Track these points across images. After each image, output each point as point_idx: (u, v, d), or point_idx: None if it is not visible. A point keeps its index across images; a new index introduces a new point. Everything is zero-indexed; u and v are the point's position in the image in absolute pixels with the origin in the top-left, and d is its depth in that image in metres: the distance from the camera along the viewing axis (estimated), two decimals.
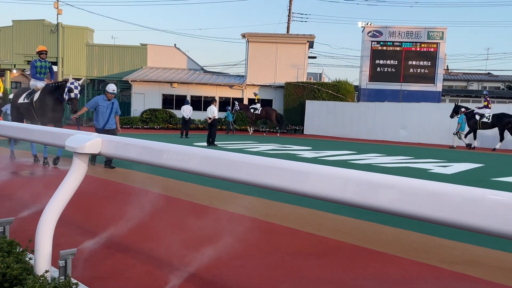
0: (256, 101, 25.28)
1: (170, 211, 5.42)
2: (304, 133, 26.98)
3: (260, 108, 24.61)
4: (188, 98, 28.17)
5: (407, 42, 27.22)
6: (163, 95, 29.87)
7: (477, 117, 19.12)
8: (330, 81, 29.73)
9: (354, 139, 24.09)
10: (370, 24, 27.99)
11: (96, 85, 34.46)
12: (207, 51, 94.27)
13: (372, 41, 27.53)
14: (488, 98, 19.56)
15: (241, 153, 2.14)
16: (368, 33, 27.57)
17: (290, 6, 36.65)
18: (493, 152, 18.20)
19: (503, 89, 44.18)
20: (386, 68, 27.58)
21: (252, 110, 24.65)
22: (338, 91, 27.48)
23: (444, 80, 34.57)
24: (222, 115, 26.09)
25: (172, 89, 29.70)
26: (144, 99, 29.59)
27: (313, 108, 26.77)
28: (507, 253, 4.10)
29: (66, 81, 8.69)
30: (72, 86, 8.59)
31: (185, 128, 20.00)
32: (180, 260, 3.49)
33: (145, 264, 3.40)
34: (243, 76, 31.03)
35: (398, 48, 27.35)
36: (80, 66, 32.17)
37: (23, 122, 9.25)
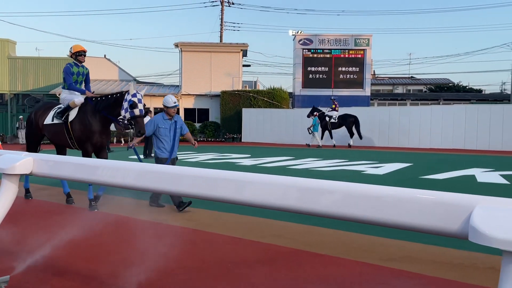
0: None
1: (108, 228, 5.21)
2: (242, 140, 27.12)
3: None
4: None
5: (336, 49, 28.26)
6: None
7: (327, 118, 21.67)
8: (265, 89, 30.16)
9: (290, 144, 24.55)
10: (301, 32, 28.79)
11: (20, 100, 32.55)
12: (139, 61, 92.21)
13: (303, 48, 28.31)
14: (335, 102, 22.28)
15: (181, 164, 2.10)
16: (299, 41, 28.33)
17: (222, 15, 36.83)
18: (349, 148, 20.46)
19: (425, 91, 47.01)
20: (318, 75, 28.45)
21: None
22: (273, 98, 27.93)
23: (372, 84, 36.22)
24: None
25: None
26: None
27: (249, 116, 26.99)
28: (439, 247, 4.34)
29: (121, 93, 6.25)
30: (136, 100, 6.07)
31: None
32: (122, 279, 3.36)
33: (85, 286, 3.23)
34: (178, 86, 30.68)
35: (328, 55, 28.32)
36: (2, 80, 30.26)
37: (37, 148, 7.24)
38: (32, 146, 7.20)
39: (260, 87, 34.02)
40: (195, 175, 1.91)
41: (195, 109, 29.48)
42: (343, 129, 22.20)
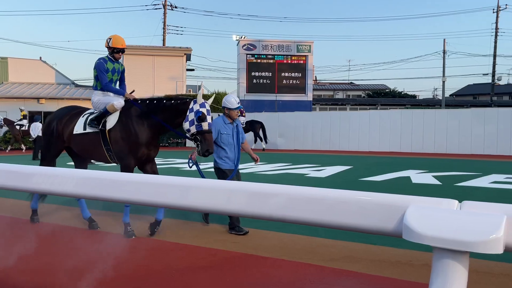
0: (22, 117, 23.43)
1: (47, 238, 4.97)
2: (186, 145, 26.83)
3: (27, 124, 22.46)
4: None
5: (279, 55, 28.71)
6: (29, 112, 27.37)
7: None
8: (209, 93, 30.05)
9: None
10: (244, 38, 28.99)
11: None
12: (77, 64, 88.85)
13: (247, 54, 28.51)
14: (242, 108, 22.04)
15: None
16: (243, 46, 28.51)
17: (164, 18, 36.35)
18: (263, 152, 20.78)
19: (364, 96, 48.83)
20: (261, 80, 28.74)
21: (18, 127, 22.56)
22: (218, 103, 27.90)
23: (314, 90, 37.12)
24: None
25: (39, 105, 27.37)
26: (7, 117, 26.81)
27: None
28: (378, 246, 4.52)
29: (183, 100, 5.03)
30: (205, 111, 4.88)
31: (35, 148, 17.95)
32: None
33: None
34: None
35: (271, 61, 28.70)
36: None
37: (53, 162, 5.77)
38: (50, 160, 5.74)
39: (204, 91, 33.83)
40: (137, 181, 1.88)
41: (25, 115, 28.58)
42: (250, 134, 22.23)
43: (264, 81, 28.77)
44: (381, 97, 45.56)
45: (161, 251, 4.44)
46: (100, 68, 5.39)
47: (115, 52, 5.45)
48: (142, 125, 5.11)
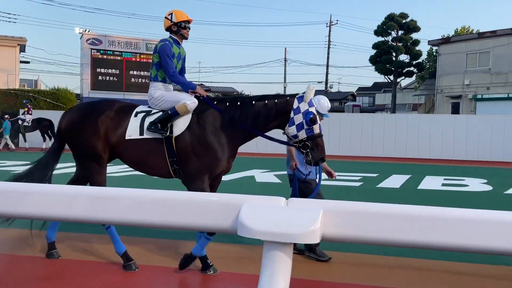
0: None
1: None
2: (19, 146, 24.17)
3: None
4: None
5: (127, 52, 27.74)
6: None
7: (20, 122, 21.82)
8: (48, 89, 27.56)
9: None
10: (89, 31, 27.33)
11: None
12: None
13: (92, 49, 26.90)
14: (29, 105, 22.55)
15: None
16: (87, 40, 26.83)
17: None
18: (41, 151, 20.43)
19: None
20: (108, 77, 27.41)
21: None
22: (58, 100, 25.77)
23: None
24: None
25: None
26: None
27: None
28: (221, 244, 4.73)
29: (283, 97, 4.07)
30: (314, 110, 3.94)
31: None
32: None
33: None
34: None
35: (119, 58, 27.58)
36: None
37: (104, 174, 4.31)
38: (100, 174, 4.26)
39: (42, 86, 30.94)
40: None
41: None
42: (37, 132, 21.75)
43: (111, 78, 27.50)
44: None
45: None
46: (166, 52, 4.22)
47: (183, 27, 4.34)
48: (224, 133, 4.03)
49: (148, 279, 3.80)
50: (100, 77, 27.21)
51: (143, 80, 28.28)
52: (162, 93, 4.28)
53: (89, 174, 4.22)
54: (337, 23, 44.45)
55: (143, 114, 4.19)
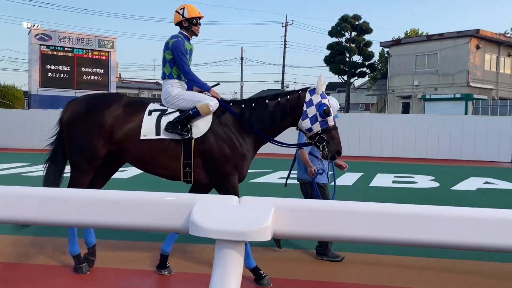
0: None
1: None
2: None
3: None
4: None
5: (78, 48, 26.88)
6: None
7: None
8: None
9: (21, 149, 22.06)
10: (38, 26, 26.27)
11: None
12: None
13: (41, 44, 25.86)
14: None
15: None
16: (36, 35, 25.77)
17: None
18: None
19: None
20: (58, 74, 26.46)
21: None
22: (5, 97, 24.64)
23: (118, 87, 35.87)
24: None
25: None
26: None
27: None
28: (182, 244, 4.70)
29: (295, 93, 4.01)
30: (327, 102, 3.92)
31: None
32: None
33: None
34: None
35: (69, 54, 26.67)
36: None
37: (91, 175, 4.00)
38: (88, 171, 3.98)
39: None
40: None
41: None
42: None
43: (61, 75, 26.56)
44: None
45: None
46: (180, 49, 4.04)
47: (194, 24, 4.18)
48: (246, 135, 3.94)
49: (103, 282, 3.72)
50: (49, 74, 26.23)
51: (96, 78, 27.53)
52: (180, 91, 4.06)
53: (73, 173, 3.95)
54: (292, 23, 45.06)
55: (159, 113, 3.95)
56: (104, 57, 27.64)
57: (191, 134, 3.81)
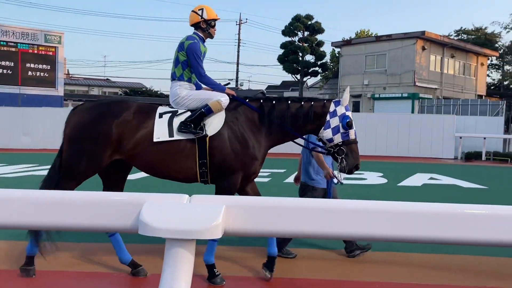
0: None
1: None
2: None
3: None
4: None
5: (23, 43, 25.66)
6: None
7: None
8: None
9: None
10: None
11: None
12: None
13: None
14: None
15: None
16: None
17: None
18: None
19: (121, 94, 48.17)
20: (1, 70, 25.18)
21: None
22: None
23: (66, 84, 34.63)
24: None
25: None
26: None
27: None
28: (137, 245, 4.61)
29: (320, 101, 4.05)
30: (350, 115, 3.98)
31: None
32: None
33: None
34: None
35: (13, 49, 25.41)
36: None
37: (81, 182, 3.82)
38: (80, 178, 3.83)
39: None
40: None
41: None
42: None
43: (4, 71, 25.28)
44: (138, 96, 45.79)
45: None
46: (196, 52, 4.00)
47: (212, 26, 4.17)
48: (260, 132, 3.93)
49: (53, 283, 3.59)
50: None
51: (42, 74, 26.45)
52: (189, 92, 4.04)
53: (65, 182, 3.76)
54: (246, 22, 45.14)
55: (169, 114, 3.89)
56: (50, 53, 26.55)
57: (205, 132, 3.77)
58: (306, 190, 4.59)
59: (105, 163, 3.76)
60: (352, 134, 3.92)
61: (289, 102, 4.00)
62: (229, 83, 4.39)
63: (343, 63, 33.46)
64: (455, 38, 40.13)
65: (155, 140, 3.74)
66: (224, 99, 3.88)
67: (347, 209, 1.53)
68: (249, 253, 4.59)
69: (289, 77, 43.03)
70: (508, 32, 51.35)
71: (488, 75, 41.60)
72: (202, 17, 4.11)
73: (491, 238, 1.46)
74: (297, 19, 36.39)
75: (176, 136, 3.77)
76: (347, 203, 1.58)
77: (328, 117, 3.92)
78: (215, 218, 1.46)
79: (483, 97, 32.52)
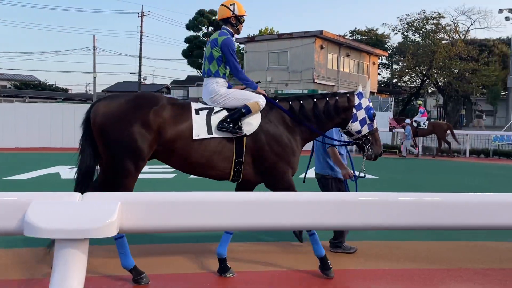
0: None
1: None
2: None
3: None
4: None
5: None
6: None
7: None
8: None
9: None
10: None
11: None
12: None
13: None
14: None
15: None
16: None
17: None
18: None
19: (10, 87, 44.41)
20: None
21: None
22: None
23: None
24: None
25: None
26: None
27: None
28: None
29: (344, 95, 4.15)
30: (371, 105, 4.20)
31: None
32: None
33: None
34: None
35: None
36: None
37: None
38: (134, 181, 3.62)
39: None
40: None
41: None
42: None
43: None
44: (30, 89, 42.45)
45: None
46: (232, 47, 3.99)
47: (241, 22, 4.15)
48: (294, 131, 3.97)
49: None
50: None
51: None
52: (227, 90, 4.00)
53: (120, 175, 3.55)
54: (149, 14, 43.76)
55: (206, 111, 3.81)
56: None
57: (244, 131, 3.78)
58: (331, 182, 4.62)
59: (149, 154, 3.61)
60: (375, 124, 4.21)
61: (315, 100, 4.09)
62: (259, 82, 4.48)
63: (247, 59, 34.00)
64: (350, 38, 42.73)
65: (194, 137, 3.68)
66: (262, 101, 3.94)
67: (251, 201, 1.58)
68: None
69: (194, 72, 42.73)
70: (395, 33, 55.92)
71: (379, 73, 45.02)
72: (234, 13, 4.08)
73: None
74: (201, 13, 36.30)
75: (215, 134, 3.74)
76: (249, 195, 1.63)
77: (354, 110, 4.09)
78: (109, 216, 1.42)
79: (375, 94, 35.06)
